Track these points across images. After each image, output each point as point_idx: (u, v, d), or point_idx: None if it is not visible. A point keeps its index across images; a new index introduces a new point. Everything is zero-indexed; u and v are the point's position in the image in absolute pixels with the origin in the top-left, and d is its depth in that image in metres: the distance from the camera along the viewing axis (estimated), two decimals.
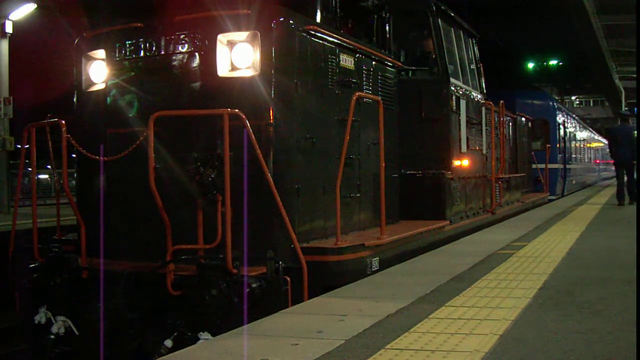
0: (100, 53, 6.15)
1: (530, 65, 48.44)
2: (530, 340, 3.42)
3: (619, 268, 5.73)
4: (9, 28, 16.96)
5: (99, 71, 6.16)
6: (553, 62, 51.00)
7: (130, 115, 5.89)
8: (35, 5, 16.98)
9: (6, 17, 16.83)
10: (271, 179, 5.09)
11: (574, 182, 24.74)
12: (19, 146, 5.86)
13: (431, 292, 4.75)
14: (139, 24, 5.88)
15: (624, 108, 47.20)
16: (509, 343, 3.37)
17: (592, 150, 35.11)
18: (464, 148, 9.00)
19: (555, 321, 3.83)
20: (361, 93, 6.39)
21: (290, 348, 3.35)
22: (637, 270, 4.82)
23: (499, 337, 3.47)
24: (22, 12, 17.12)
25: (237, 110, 5.02)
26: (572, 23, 26.73)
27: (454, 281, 5.20)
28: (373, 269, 5.89)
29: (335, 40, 6.33)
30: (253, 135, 5.01)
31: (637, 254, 4.38)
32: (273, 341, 3.53)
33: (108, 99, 6.08)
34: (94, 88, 6.22)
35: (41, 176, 23.57)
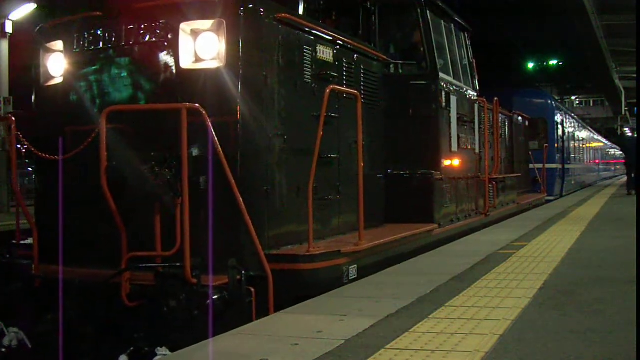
0: (59, 44, 5.72)
1: (530, 65, 48.09)
2: (530, 340, 3.41)
3: (619, 268, 5.67)
4: (9, 28, 16.82)
5: (57, 64, 5.74)
6: (553, 62, 50.63)
7: (90, 111, 5.46)
8: (35, 5, 16.78)
9: (6, 17, 16.71)
10: (233, 180, 4.64)
11: (572, 182, 24.40)
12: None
13: (431, 292, 4.72)
14: (97, 13, 5.45)
15: (624, 108, 47.04)
16: (509, 343, 3.37)
17: (591, 150, 34.78)
18: (454, 147, 8.57)
19: (555, 321, 3.83)
20: (336, 86, 5.92)
21: (290, 348, 3.34)
22: (637, 270, 4.69)
23: (499, 337, 3.47)
24: (22, 12, 16.98)
25: (197, 105, 4.58)
26: (572, 23, 26.34)
27: (454, 281, 5.16)
28: (350, 278, 5.47)
29: (312, 30, 5.89)
30: (214, 133, 4.58)
31: (637, 253, 4.24)
32: (273, 341, 3.50)
33: (67, 94, 5.65)
34: (52, 82, 5.80)
35: None
